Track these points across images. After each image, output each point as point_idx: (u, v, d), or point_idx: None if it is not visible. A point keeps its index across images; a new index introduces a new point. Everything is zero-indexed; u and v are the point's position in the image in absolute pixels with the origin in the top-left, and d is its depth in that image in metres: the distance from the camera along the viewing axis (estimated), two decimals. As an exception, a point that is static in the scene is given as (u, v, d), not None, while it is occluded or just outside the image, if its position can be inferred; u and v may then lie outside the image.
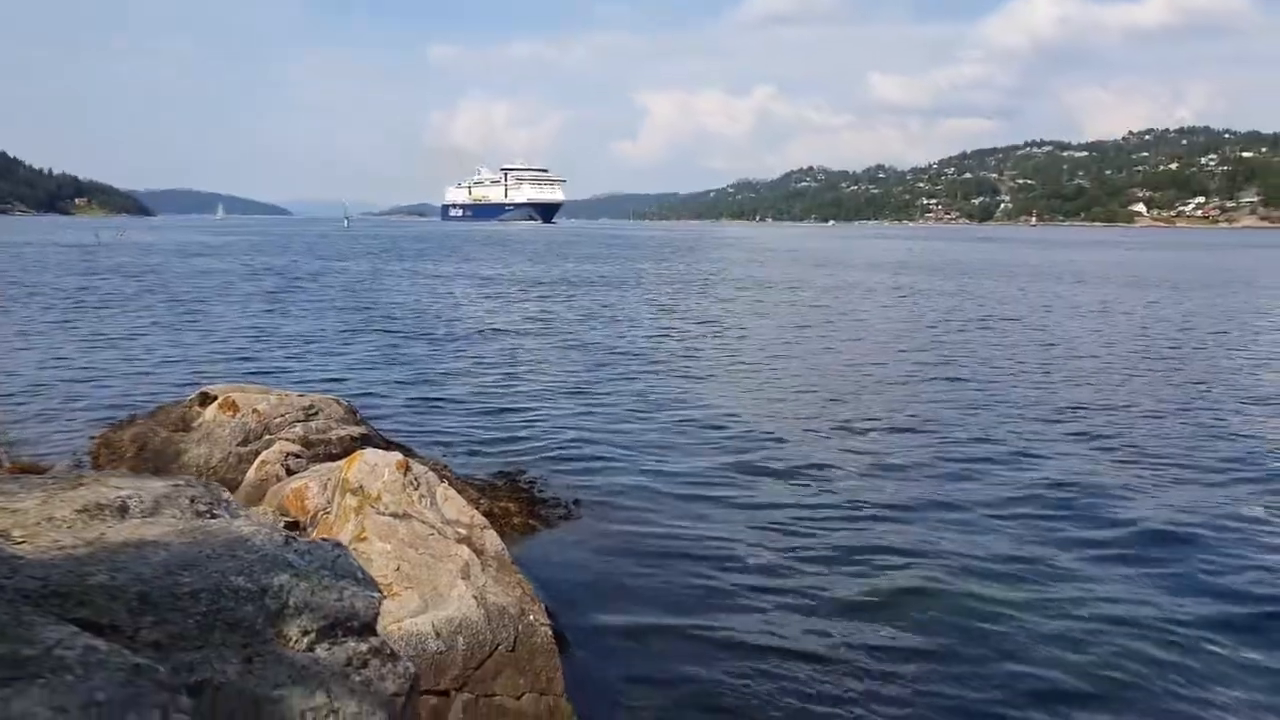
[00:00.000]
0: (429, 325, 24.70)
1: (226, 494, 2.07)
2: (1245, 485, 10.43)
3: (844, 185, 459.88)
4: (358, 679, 1.56)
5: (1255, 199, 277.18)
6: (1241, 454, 11.98)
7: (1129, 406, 15.10)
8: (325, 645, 1.61)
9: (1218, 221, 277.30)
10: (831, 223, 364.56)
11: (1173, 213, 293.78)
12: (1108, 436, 12.96)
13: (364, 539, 5.84)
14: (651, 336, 23.29)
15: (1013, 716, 5.55)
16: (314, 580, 1.70)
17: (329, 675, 1.51)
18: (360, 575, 1.83)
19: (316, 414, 9.05)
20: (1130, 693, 5.83)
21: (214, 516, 1.91)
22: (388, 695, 1.59)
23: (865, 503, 9.53)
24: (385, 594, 5.72)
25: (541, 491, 9.42)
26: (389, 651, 1.68)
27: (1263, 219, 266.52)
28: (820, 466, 11.08)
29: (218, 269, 46.17)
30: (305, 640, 1.60)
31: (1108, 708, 5.65)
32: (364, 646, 1.64)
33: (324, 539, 2.04)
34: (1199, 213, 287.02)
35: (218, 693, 1.36)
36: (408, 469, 6.36)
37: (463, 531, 6.14)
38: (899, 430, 13.07)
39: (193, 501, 1.95)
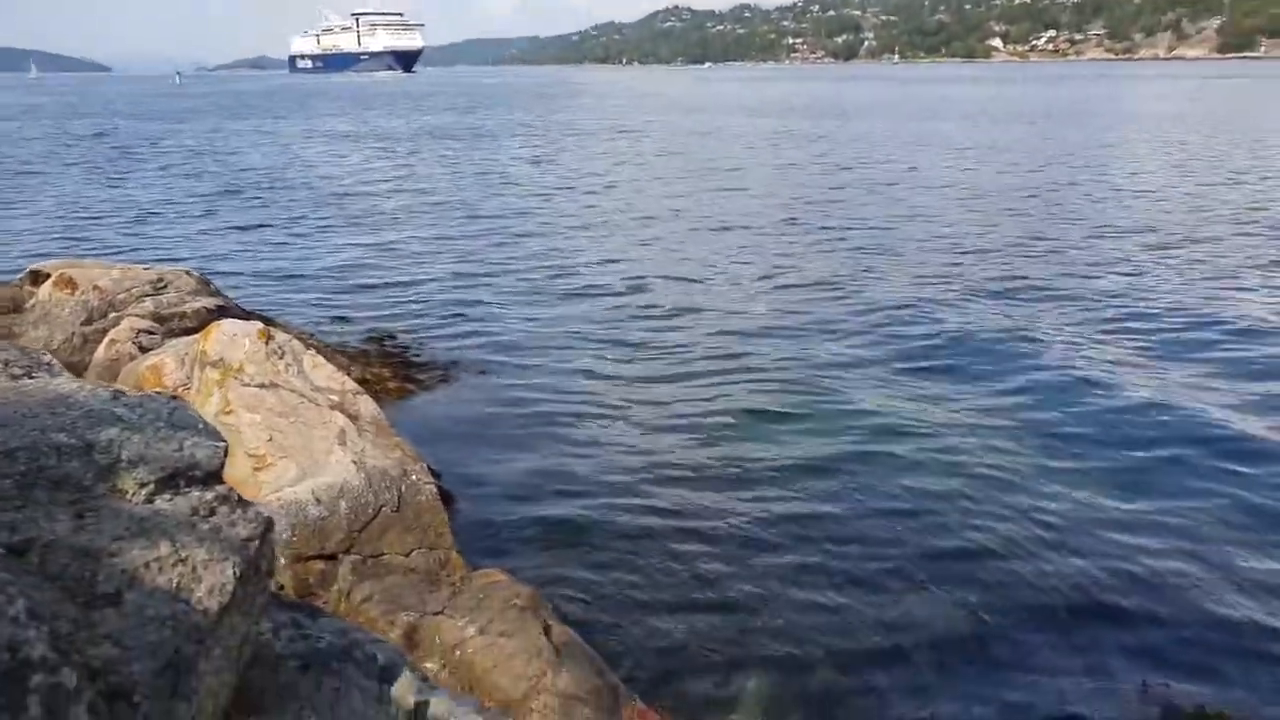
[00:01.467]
0: (284, 190, 23.27)
1: (48, 357, 1.92)
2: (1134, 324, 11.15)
3: (709, 25, 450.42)
4: (205, 527, 1.51)
5: (1101, 31, 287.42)
6: (1122, 289, 12.82)
7: (995, 248, 15.84)
8: (167, 496, 1.55)
9: (1067, 54, 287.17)
10: (709, 65, 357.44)
11: (1026, 46, 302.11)
12: (999, 280, 13.61)
13: (230, 412, 5.64)
14: (524, 193, 22.70)
15: (879, 527, 6.02)
16: (148, 433, 1.61)
17: (173, 525, 1.46)
18: (201, 426, 1.76)
19: (166, 287, 8.51)
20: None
21: (32, 378, 1.77)
22: (239, 540, 1.55)
23: (743, 351, 9.80)
24: (260, 465, 5.60)
25: (416, 356, 9.26)
26: (237, 499, 1.63)
27: (1108, 51, 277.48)
28: (697, 313, 11.28)
29: (36, 135, 41.70)
30: (144, 492, 1.53)
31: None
32: (209, 495, 1.59)
33: (157, 392, 1.93)
34: (1050, 46, 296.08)
35: (46, 550, 1.29)
36: (270, 338, 6.11)
37: (335, 398, 6.00)
38: (780, 278, 13.36)
39: (6, 365, 1.80)
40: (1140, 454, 7.10)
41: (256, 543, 1.73)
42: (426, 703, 2.02)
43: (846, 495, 6.48)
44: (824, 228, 17.11)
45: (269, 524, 1.74)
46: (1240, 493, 6.46)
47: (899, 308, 11.27)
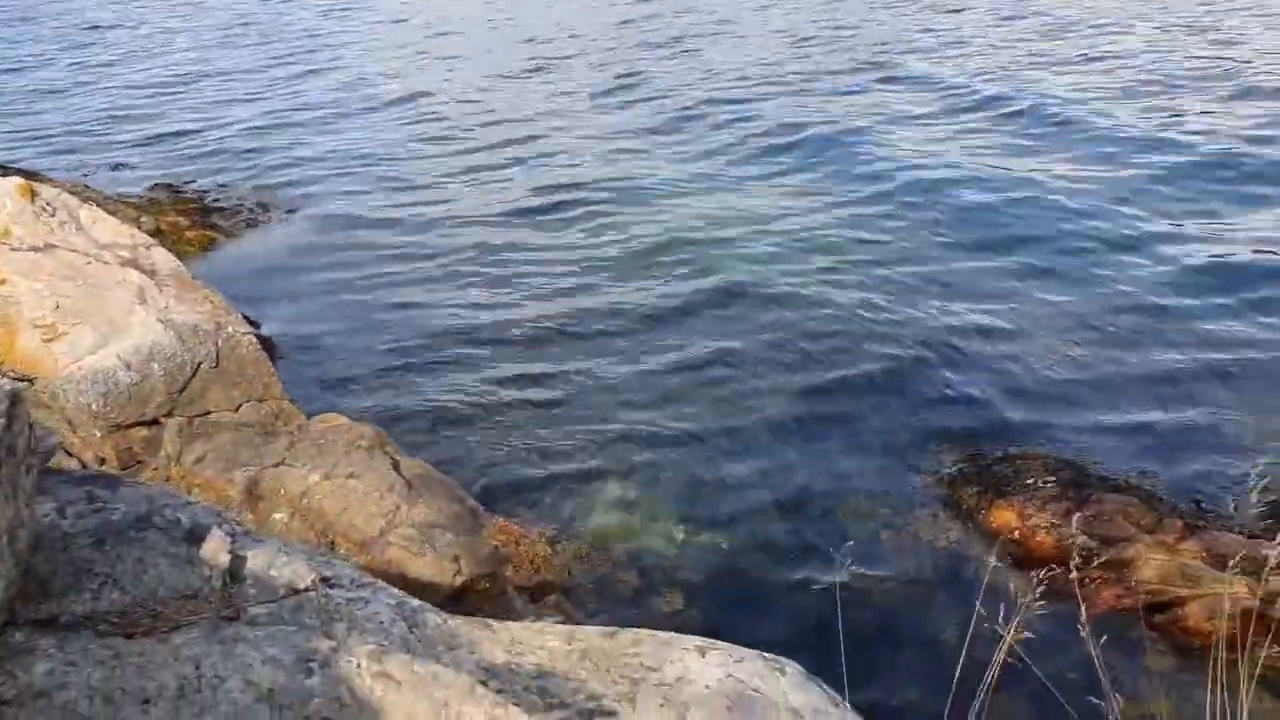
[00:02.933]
0: (27, 26, 20.24)
1: None
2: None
3: None
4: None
5: None
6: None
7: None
8: None
9: None
10: None
11: None
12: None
13: (3, 282, 5.06)
14: (317, 13, 20.60)
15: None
16: None
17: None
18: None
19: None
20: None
21: None
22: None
23: (576, 176, 9.49)
24: (50, 336, 5.10)
25: (216, 201, 8.50)
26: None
27: None
28: (519, 123, 10.81)
29: None
30: None
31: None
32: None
33: None
34: None
35: None
36: (35, 194, 5.44)
37: (125, 254, 5.47)
38: (601, 89, 12.85)
39: None
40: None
41: (2, 422, 1.54)
42: (243, 558, 1.94)
43: (682, 303, 6.59)
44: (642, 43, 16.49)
45: (14, 398, 1.55)
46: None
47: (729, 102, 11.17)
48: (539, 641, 2.12)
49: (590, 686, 1.96)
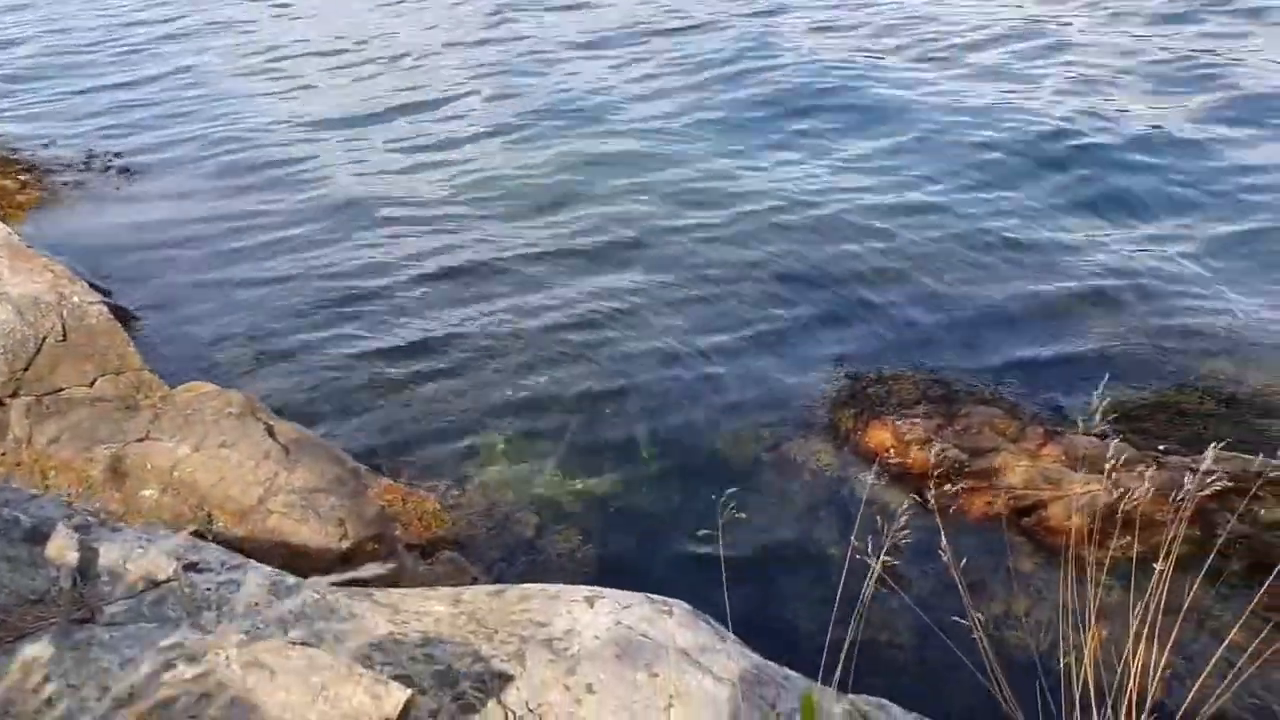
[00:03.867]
0: None
1: None
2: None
3: None
4: None
5: None
6: None
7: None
8: None
9: None
10: None
11: None
12: None
13: None
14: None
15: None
16: None
17: None
18: None
19: None
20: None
21: None
22: None
23: (454, 129, 9.13)
24: None
25: (45, 161, 7.79)
26: None
27: None
28: (379, 68, 10.31)
29: None
30: None
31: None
32: None
33: None
34: None
35: None
36: None
37: (-56, 223, 5.01)
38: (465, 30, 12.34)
39: None
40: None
41: None
42: (95, 552, 1.82)
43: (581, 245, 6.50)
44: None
45: None
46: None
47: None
48: (424, 608, 2.09)
49: (478, 649, 1.94)
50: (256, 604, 1.90)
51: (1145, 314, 5.47)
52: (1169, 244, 6.23)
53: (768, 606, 3.44)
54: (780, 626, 3.29)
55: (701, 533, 3.95)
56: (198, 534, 2.85)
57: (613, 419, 4.75)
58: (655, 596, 2.37)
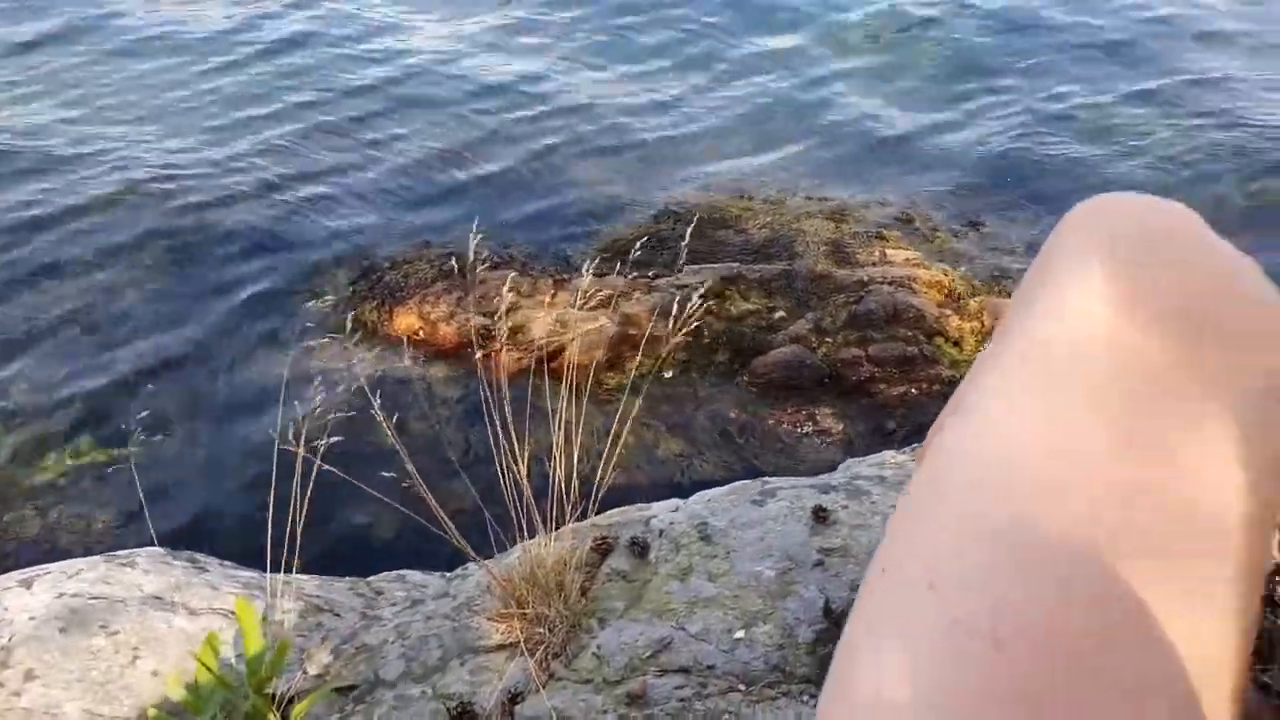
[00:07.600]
0: None
1: None
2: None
3: None
4: None
5: None
6: None
7: None
8: None
9: None
10: None
11: None
12: None
13: None
14: None
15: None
16: None
17: None
18: None
19: None
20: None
21: None
22: None
23: None
24: None
25: None
26: None
27: None
28: None
29: None
30: None
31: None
32: None
33: None
34: None
35: None
36: None
37: None
38: None
39: None
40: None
41: None
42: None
43: None
44: None
45: None
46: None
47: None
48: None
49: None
50: None
51: (619, 151, 6.02)
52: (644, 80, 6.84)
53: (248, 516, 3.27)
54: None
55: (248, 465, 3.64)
56: None
57: (130, 379, 4.10)
58: (119, 553, 2.36)
